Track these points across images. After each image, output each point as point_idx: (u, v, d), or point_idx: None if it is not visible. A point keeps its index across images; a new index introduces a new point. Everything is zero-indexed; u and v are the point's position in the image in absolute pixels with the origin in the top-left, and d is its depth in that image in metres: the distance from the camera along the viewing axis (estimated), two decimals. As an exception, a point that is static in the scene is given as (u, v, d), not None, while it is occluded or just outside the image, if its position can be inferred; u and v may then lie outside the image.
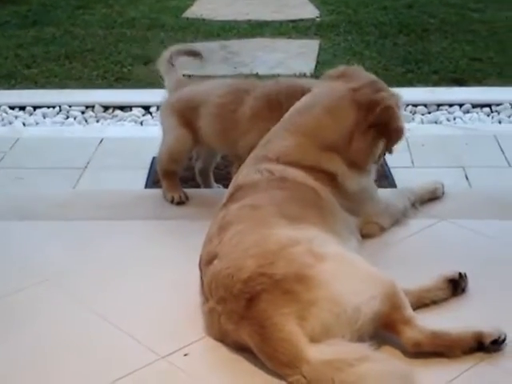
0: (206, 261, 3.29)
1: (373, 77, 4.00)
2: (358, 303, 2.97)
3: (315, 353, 2.85)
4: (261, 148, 3.86)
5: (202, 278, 3.33)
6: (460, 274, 3.42)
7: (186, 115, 4.42)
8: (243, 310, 2.99)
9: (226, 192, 3.74)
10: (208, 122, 4.35)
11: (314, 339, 2.90)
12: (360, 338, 2.96)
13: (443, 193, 4.32)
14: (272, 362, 2.92)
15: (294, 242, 3.13)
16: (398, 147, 3.99)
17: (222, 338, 3.13)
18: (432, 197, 4.28)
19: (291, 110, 3.91)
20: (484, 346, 3.03)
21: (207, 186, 4.75)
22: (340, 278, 3.02)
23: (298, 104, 3.92)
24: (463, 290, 3.43)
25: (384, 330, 3.06)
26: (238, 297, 3.01)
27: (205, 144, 4.49)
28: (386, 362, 2.88)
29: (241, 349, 3.05)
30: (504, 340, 3.05)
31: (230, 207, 3.52)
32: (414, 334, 3.01)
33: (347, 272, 3.07)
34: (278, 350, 2.89)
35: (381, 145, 3.86)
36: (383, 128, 3.78)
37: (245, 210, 3.45)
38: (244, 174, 3.74)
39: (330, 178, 3.76)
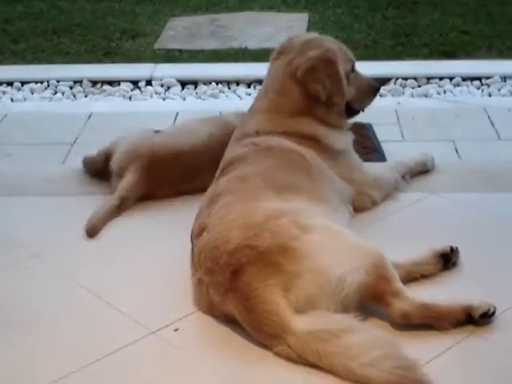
0: (197, 232, 3.32)
1: (306, 37, 4.00)
2: (342, 273, 2.98)
3: (300, 324, 2.87)
4: (237, 131, 3.90)
5: (192, 249, 3.34)
6: (451, 247, 3.42)
7: None
8: (228, 282, 3.00)
9: (218, 169, 3.74)
10: None
11: (298, 310, 2.93)
12: (345, 309, 2.97)
13: (433, 166, 4.30)
14: (258, 333, 2.94)
15: (280, 214, 3.13)
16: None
17: (211, 310, 3.14)
18: (422, 169, 4.26)
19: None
20: (473, 318, 3.03)
21: None
22: (325, 249, 3.03)
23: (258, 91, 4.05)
24: (454, 264, 3.43)
25: (372, 301, 3.07)
26: (223, 269, 3.03)
27: None
28: (370, 332, 2.89)
29: (230, 321, 3.06)
30: (493, 313, 3.06)
31: (220, 180, 3.55)
32: (403, 305, 3.01)
33: (332, 243, 3.08)
34: (263, 321, 2.91)
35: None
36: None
37: (233, 181, 3.47)
38: (230, 152, 3.77)
39: (314, 141, 3.78)
